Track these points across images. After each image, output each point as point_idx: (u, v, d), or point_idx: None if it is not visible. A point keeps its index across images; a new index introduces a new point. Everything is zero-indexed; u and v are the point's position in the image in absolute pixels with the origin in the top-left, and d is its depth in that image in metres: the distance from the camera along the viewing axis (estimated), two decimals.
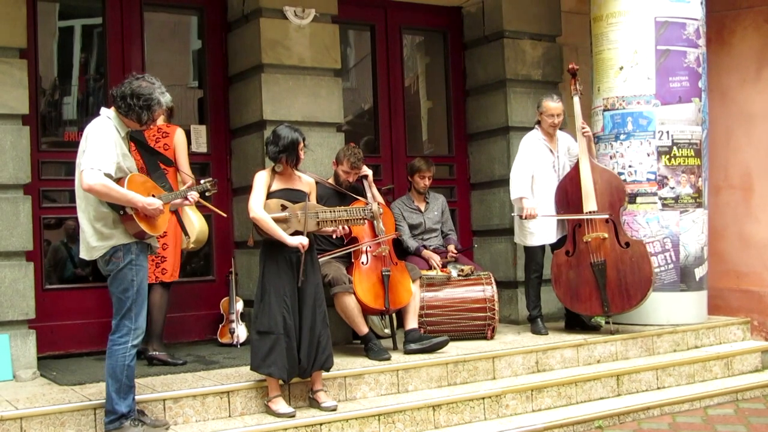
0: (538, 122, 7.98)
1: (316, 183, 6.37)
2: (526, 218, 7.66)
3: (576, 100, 7.89)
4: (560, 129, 8.04)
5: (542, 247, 7.90)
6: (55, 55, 8.06)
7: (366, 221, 6.52)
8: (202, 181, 5.72)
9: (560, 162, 7.92)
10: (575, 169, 7.71)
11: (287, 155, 5.96)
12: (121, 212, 5.11)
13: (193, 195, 5.61)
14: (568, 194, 7.70)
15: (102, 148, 5.06)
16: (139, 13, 7.93)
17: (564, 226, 7.81)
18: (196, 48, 8.60)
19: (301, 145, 6.03)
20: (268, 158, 6.06)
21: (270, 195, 5.91)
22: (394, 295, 7.02)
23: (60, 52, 8.10)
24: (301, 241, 5.83)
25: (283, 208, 5.87)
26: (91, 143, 5.09)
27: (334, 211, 6.15)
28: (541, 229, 7.80)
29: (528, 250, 7.95)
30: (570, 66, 8.05)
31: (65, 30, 8.14)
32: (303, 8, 7.85)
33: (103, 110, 5.33)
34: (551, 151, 7.90)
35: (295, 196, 6.01)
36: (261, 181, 5.95)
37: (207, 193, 5.83)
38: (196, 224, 6.94)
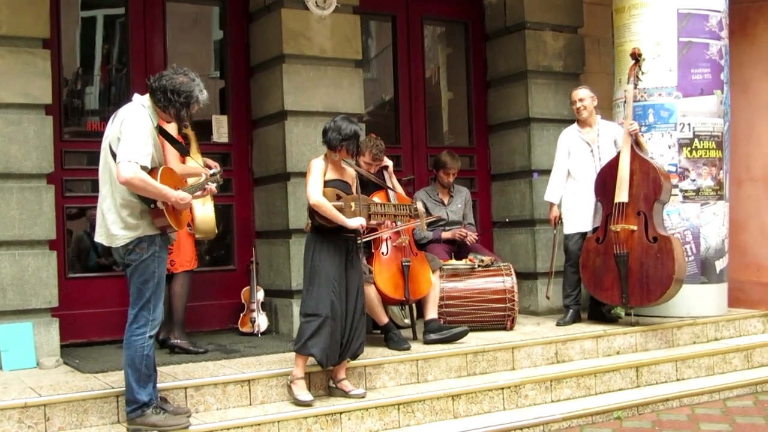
0: None
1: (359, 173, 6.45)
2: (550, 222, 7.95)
3: (630, 87, 7.81)
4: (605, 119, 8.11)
5: (577, 236, 7.91)
6: (78, 45, 8.08)
7: (411, 218, 6.64)
8: (211, 172, 5.69)
9: (600, 151, 7.87)
10: (616, 158, 7.66)
11: (349, 144, 6.05)
12: (152, 206, 5.10)
13: (212, 186, 5.63)
14: (606, 182, 7.66)
15: (138, 139, 5.02)
16: (161, 4, 7.97)
17: (599, 215, 7.80)
18: (217, 38, 8.62)
19: (360, 137, 6.19)
20: (328, 146, 6.07)
21: (325, 183, 6.00)
22: (414, 285, 7.04)
23: (83, 42, 8.12)
24: (361, 222, 6.00)
25: (338, 197, 5.96)
26: (127, 133, 5.04)
27: (384, 206, 6.40)
28: (575, 216, 7.87)
29: (564, 238, 7.99)
30: (633, 50, 7.94)
31: (88, 20, 8.17)
32: None
33: (137, 97, 5.30)
34: (587, 142, 7.89)
35: (345, 187, 6.13)
36: (319, 168, 6.02)
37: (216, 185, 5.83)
38: (198, 213, 6.88)
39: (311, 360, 5.94)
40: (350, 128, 6.05)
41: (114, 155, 5.09)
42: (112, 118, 5.28)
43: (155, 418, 5.23)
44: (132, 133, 5.04)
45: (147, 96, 5.27)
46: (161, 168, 5.19)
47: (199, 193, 5.56)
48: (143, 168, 4.98)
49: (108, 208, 5.19)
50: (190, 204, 5.34)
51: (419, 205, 6.69)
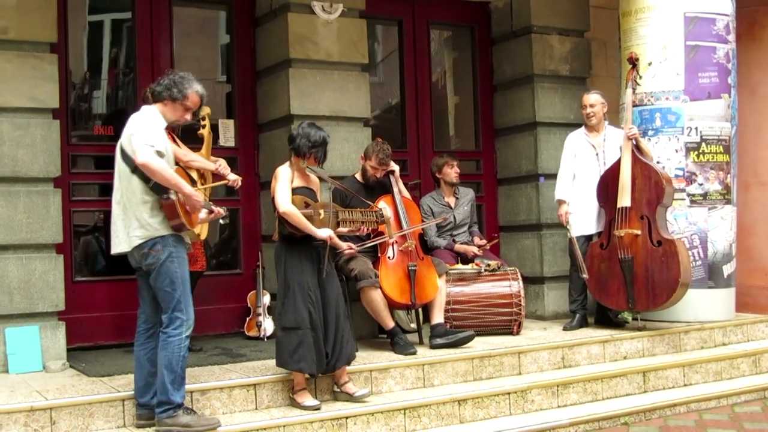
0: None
1: (321, 179, 6.35)
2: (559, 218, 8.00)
3: (629, 92, 7.89)
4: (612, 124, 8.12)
5: (582, 240, 7.88)
6: (85, 49, 8.09)
7: (378, 224, 6.56)
8: (223, 215, 5.77)
9: (606, 156, 7.88)
10: (617, 163, 7.65)
11: (317, 151, 6.03)
12: (164, 196, 5.14)
13: (220, 210, 5.64)
14: (609, 188, 7.66)
15: (152, 128, 5.17)
16: (168, 8, 7.98)
17: (602, 220, 7.80)
18: (224, 42, 8.63)
19: (328, 144, 6.15)
20: (296, 152, 6.05)
21: (293, 191, 5.96)
22: (420, 289, 7.03)
23: (90, 46, 8.14)
24: (330, 233, 5.92)
25: (306, 205, 5.92)
26: (139, 125, 5.17)
27: (352, 212, 6.30)
28: (579, 220, 7.87)
29: (569, 242, 7.97)
30: (630, 54, 8.03)
31: (95, 24, 8.18)
32: (331, 3, 7.87)
33: (145, 107, 5.42)
34: (593, 146, 7.92)
35: (311, 194, 6.11)
36: (286, 176, 5.99)
37: (222, 221, 5.87)
38: None
39: None
40: (319, 135, 6.03)
41: (126, 156, 5.18)
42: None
43: (187, 418, 5.26)
44: (145, 124, 5.18)
45: (152, 105, 5.40)
46: (173, 169, 5.27)
47: (204, 213, 5.59)
48: (158, 153, 5.07)
49: (123, 211, 5.24)
50: (202, 206, 5.36)
51: (386, 212, 6.63)
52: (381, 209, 6.64)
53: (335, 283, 6.14)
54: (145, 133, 5.12)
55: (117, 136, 7.48)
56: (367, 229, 6.58)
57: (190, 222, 5.30)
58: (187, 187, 5.21)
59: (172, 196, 5.15)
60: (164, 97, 5.36)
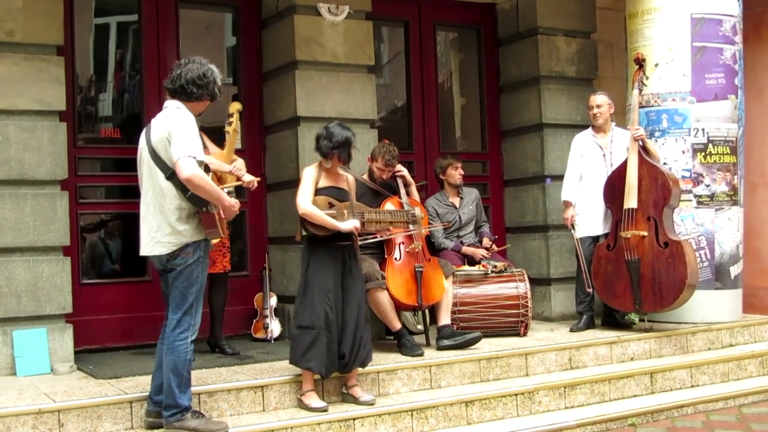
0: None
1: (355, 180, 6.36)
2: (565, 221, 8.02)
3: (635, 93, 7.90)
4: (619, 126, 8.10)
5: (589, 240, 7.88)
6: (92, 51, 8.10)
7: (408, 225, 6.57)
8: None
9: (613, 157, 7.87)
10: (624, 164, 7.64)
11: (340, 152, 6.00)
12: (204, 209, 5.11)
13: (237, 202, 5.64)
14: (615, 189, 7.65)
15: (190, 134, 5.06)
16: (174, 10, 7.98)
17: (609, 221, 7.79)
18: (230, 45, 8.63)
19: (354, 143, 6.10)
20: (320, 153, 6.05)
21: (318, 191, 5.96)
22: (426, 291, 7.02)
23: (96, 48, 8.14)
24: (354, 224, 5.90)
25: (330, 205, 5.91)
26: (178, 131, 5.04)
27: (379, 213, 6.29)
28: (585, 220, 7.88)
29: (577, 242, 7.96)
30: (636, 54, 8.04)
31: (101, 26, 8.19)
32: (337, 5, 7.87)
33: (170, 102, 5.29)
34: (600, 146, 7.91)
35: (341, 194, 6.07)
36: (310, 176, 5.99)
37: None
38: None
39: None
40: (342, 135, 5.99)
41: (160, 161, 5.11)
42: (146, 129, 5.30)
43: (195, 422, 5.25)
44: (183, 130, 5.06)
45: (175, 100, 5.28)
46: (209, 175, 5.23)
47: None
48: (198, 163, 5.02)
49: (152, 215, 5.19)
50: (236, 213, 5.34)
51: (417, 211, 6.63)
52: (413, 209, 6.64)
53: (359, 285, 6.13)
54: (186, 143, 5.01)
55: (124, 138, 7.58)
56: (395, 231, 6.55)
57: (222, 229, 5.29)
58: (227, 199, 5.20)
59: (211, 209, 5.12)
60: (204, 97, 5.28)
